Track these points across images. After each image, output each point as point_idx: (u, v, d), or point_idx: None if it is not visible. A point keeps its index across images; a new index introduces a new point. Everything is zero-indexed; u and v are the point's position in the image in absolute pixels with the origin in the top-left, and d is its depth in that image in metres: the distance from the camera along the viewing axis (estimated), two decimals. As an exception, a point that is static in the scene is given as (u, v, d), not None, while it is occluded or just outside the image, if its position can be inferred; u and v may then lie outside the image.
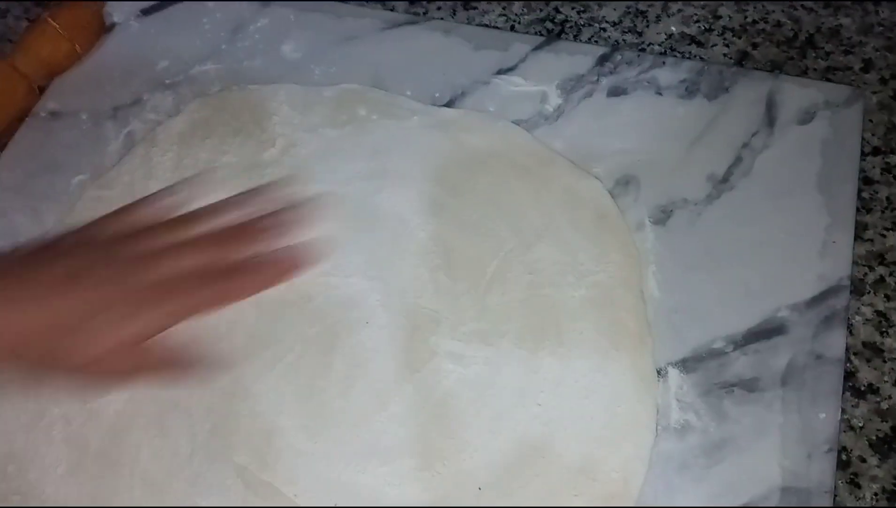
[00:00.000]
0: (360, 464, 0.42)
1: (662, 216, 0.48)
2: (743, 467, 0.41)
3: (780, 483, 0.40)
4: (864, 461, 0.41)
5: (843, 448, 0.41)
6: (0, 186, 0.52)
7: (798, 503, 0.40)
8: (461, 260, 0.47)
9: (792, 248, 0.46)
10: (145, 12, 0.59)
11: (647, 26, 0.57)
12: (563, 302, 0.45)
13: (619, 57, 0.54)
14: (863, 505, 0.40)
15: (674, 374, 0.43)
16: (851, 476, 0.41)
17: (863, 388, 0.43)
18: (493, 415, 0.43)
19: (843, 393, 0.42)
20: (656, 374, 0.43)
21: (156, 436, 0.43)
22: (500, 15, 0.58)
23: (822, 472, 0.40)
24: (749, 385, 0.42)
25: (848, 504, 0.40)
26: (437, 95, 0.53)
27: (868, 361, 0.44)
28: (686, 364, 0.43)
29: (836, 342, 0.43)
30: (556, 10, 0.58)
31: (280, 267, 0.36)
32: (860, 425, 0.42)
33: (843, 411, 0.42)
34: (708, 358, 0.43)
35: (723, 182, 0.48)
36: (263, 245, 0.37)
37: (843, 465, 0.41)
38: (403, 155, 0.51)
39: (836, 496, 0.40)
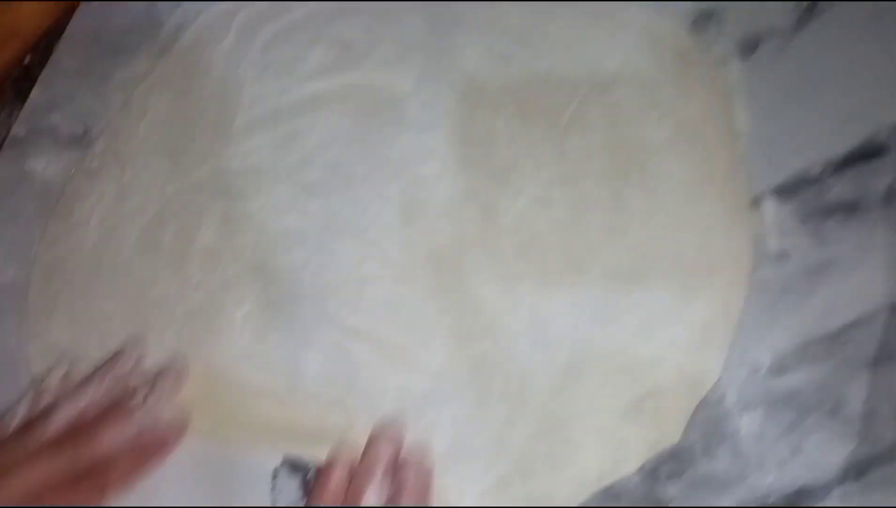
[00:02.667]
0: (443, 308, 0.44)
1: (748, 49, 0.48)
2: (846, 288, 0.42)
3: (888, 301, 0.42)
4: (972, 274, 0.43)
5: (951, 264, 0.43)
6: (64, 71, 0.55)
7: (907, 318, 0.41)
8: (534, 108, 0.49)
9: (890, 69, 0.46)
10: None
11: None
12: (648, 142, 0.47)
13: None
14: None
15: (770, 203, 0.44)
16: (961, 292, 0.42)
17: (969, 206, 0.44)
18: (580, 253, 0.45)
19: (948, 211, 0.43)
20: (751, 204, 0.44)
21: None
22: None
23: (931, 286, 0.42)
24: (849, 208, 0.44)
25: (959, 318, 0.42)
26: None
27: (974, 179, 0.45)
28: (782, 192, 0.45)
29: (940, 158, 0.44)
30: None
31: (150, 451, 0.39)
32: (967, 240, 0.43)
33: (949, 228, 0.43)
34: (805, 184, 0.44)
35: (810, 9, 0.49)
36: (122, 432, 0.38)
37: (951, 281, 0.42)
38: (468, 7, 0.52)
39: (945, 309, 0.42)
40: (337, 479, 0.39)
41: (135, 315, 0.46)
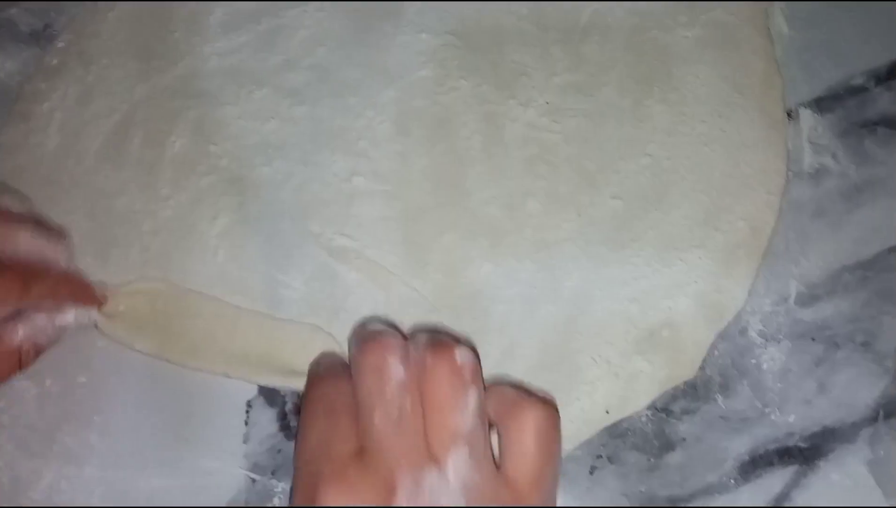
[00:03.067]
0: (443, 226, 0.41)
1: (789, -56, 0.44)
2: (887, 210, 0.39)
3: (931, 225, 0.38)
4: None
5: None
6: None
7: (952, 244, 0.38)
8: (549, 7, 0.44)
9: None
10: None
11: None
12: (675, 45, 0.43)
13: None
14: None
15: (807, 115, 0.41)
16: None
17: None
18: (595, 169, 0.41)
19: None
20: (787, 116, 0.41)
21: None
22: None
23: (980, 211, 0.38)
24: (894, 123, 0.40)
25: None
26: None
27: None
28: (821, 104, 0.41)
29: None
30: None
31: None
32: None
33: None
34: (846, 96, 0.41)
35: None
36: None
37: None
38: None
39: None
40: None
41: (97, 230, 0.42)
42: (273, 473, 0.38)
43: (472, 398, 0.29)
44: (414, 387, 0.30)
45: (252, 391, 0.40)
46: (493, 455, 0.30)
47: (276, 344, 0.40)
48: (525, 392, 0.31)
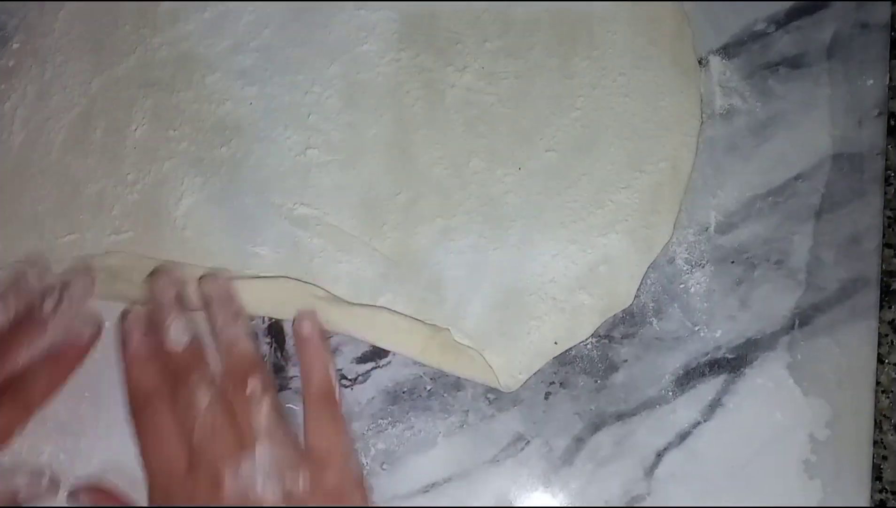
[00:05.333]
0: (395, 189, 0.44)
1: None
2: (792, 141, 0.43)
3: (831, 151, 0.43)
4: (913, 124, 0.44)
5: (892, 114, 0.44)
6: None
7: (850, 169, 0.42)
8: (477, -22, 0.47)
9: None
10: None
11: None
12: (593, 7, 0.46)
13: None
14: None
15: (715, 61, 0.45)
16: (901, 139, 0.43)
17: (909, 52, 0.45)
18: (530, 125, 0.45)
19: (891, 60, 0.44)
20: (698, 64, 0.44)
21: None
22: None
23: (873, 135, 0.43)
24: (794, 62, 0.44)
25: (899, 166, 0.43)
26: None
27: (915, 27, 0.45)
28: (728, 50, 0.45)
29: (880, 9, 0.45)
30: None
31: (67, 357, 0.40)
32: (908, 89, 0.44)
33: (890, 77, 0.44)
34: (750, 41, 0.45)
35: None
36: (36, 344, 0.39)
37: (891, 130, 0.43)
38: None
39: (886, 159, 0.43)
40: (136, 330, 0.40)
41: (69, 217, 0.44)
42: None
43: (265, 403, 0.37)
44: (221, 402, 0.38)
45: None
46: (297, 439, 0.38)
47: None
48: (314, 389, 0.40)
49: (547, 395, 0.42)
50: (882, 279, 0.42)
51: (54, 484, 0.41)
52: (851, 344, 0.41)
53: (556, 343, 0.42)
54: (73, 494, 0.40)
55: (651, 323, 0.42)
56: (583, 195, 0.43)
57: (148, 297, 0.41)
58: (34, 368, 0.39)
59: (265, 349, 0.43)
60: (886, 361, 0.43)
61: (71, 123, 0.46)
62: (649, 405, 0.41)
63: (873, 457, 0.41)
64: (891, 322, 0.43)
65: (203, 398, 0.37)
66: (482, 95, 0.45)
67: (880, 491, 0.42)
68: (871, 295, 0.42)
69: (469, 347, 0.42)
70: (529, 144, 0.44)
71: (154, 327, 0.40)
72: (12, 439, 0.38)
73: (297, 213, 0.44)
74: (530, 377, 0.42)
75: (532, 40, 0.46)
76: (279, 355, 0.42)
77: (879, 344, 0.42)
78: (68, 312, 0.40)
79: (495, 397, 0.42)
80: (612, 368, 0.42)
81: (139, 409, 0.38)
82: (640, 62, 0.45)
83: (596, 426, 0.41)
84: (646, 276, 0.42)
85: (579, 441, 0.41)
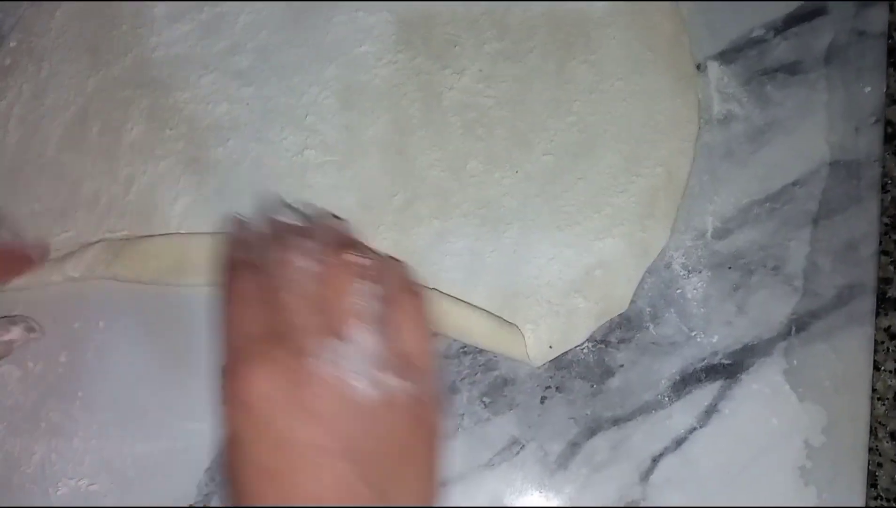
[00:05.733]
0: (392, 190, 0.44)
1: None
2: (789, 147, 0.43)
3: (829, 158, 0.43)
4: (910, 131, 0.44)
5: (889, 122, 0.44)
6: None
7: (847, 175, 0.42)
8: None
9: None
10: None
11: None
12: (591, 10, 0.46)
13: None
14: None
15: (713, 67, 0.45)
16: (898, 147, 0.43)
17: (907, 60, 0.45)
18: (527, 129, 0.44)
19: (888, 68, 0.44)
20: (695, 69, 0.44)
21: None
22: None
23: (870, 143, 0.43)
24: (791, 68, 0.44)
25: (895, 173, 0.43)
26: None
27: (911, 33, 0.45)
28: (725, 56, 0.45)
29: (878, 17, 0.45)
30: None
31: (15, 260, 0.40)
32: (905, 97, 0.44)
33: (887, 85, 0.44)
34: (747, 47, 0.45)
35: None
36: None
37: (888, 137, 0.43)
38: None
39: (883, 166, 0.43)
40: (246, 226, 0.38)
41: (64, 215, 0.44)
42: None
43: (365, 285, 0.33)
44: (316, 277, 0.34)
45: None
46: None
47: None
48: (403, 284, 0.35)
49: (543, 399, 0.42)
50: (878, 286, 0.42)
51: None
52: (848, 351, 0.41)
53: (550, 347, 0.42)
54: None
55: (647, 328, 0.42)
56: (579, 199, 0.43)
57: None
58: None
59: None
60: (882, 368, 0.43)
61: (67, 122, 0.46)
62: (645, 410, 0.41)
63: (868, 464, 0.40)
64: (887, 329, 0.43)
65: (298, 270, 0.34)
66: (480, 97, 0.45)
67: (875, 498, 0.42)
68: (868, 302, 0.42)
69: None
70: (527, 147, 0.44)
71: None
72: None
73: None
74: (527, 380, 0.42)
75: (530, 44, 0.46)
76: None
77: (875, 351, 0.42)
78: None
79: (491, 400, 0.42)
80: (609, 372, 0.42)
81: (230, 277, 0.35)
82: (637, 67, 0.45)
83: (591, 431, 0.41)
84: (642, 281, 0.42)
85: (574, 446, 0.41)
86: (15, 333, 0.42)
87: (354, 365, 0.31)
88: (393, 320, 0.33)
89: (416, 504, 0.31)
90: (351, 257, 0.34)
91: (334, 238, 0.35)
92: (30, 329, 0.42)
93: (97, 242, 0.44)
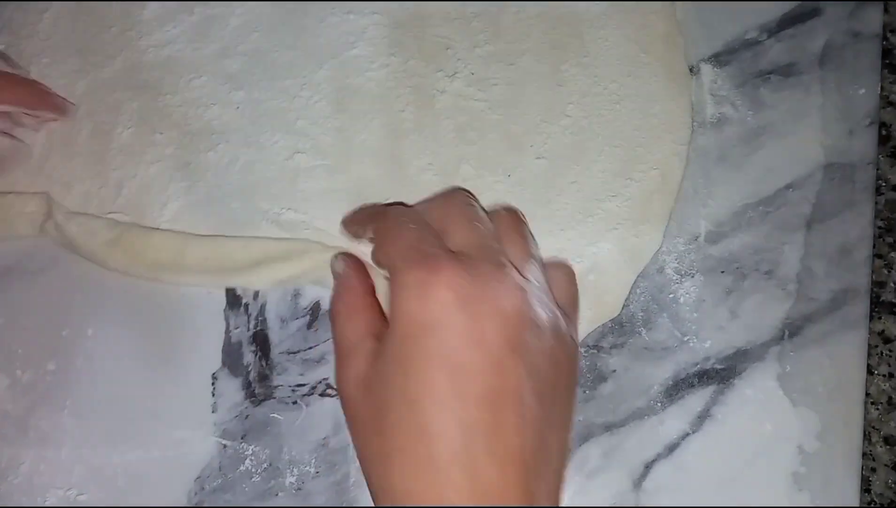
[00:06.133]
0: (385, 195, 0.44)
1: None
2: (783, 150, 0.43)
3: (823, 161, 0.42)
4: (905, 134, 0.43)
5: (883, 124, 0.43)
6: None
7: (841, 179, 0.42)
8: (468, -17, 0.47)
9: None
10: None
11: None
12: (584, 11, 0.46)
13: None
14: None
15: (707, 69, 0.44)
16: (892, 150, 0.43)
17: (902, 64, 0.45)
18: (520, 132, 0.44)
19: (882, 70, 0.44)
20: (689, 72, 0.44)
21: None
22: None
23: (864, 146, 0.42)
24: (785, 71, 0.44)
25: (889, 176, 0.43)
26: None
27: (906, 35, 0.45)
28: (719, 58, 0.44)
29: (872, 17, 0.44)
30: None
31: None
32: (900, 100, 0.44)
33: (882, 87, 0.44)
34: (742, 49, 0.44)
35: None
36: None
37: (883, 140, 0.43)
38: None
39: (878, 168, 0.42)
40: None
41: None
42: (243, 437, 0.41)
43: (534, 241, 0.35)
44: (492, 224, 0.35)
45: (216, 364, 0.42)
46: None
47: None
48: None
49: (535, 405, 0.41)
50: (872, 290, 0.42)
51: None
52: (841, 355, 0.41)
53: (544, 353, 0.41)
54: None
55: (640, 333, 0.42)
56: (572, 204, 0.43)
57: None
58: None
59: (250, 357, 0.42)
60: (876, 372, 0.42)
61: (56, 125, 0.46)
62: (638, 416, 0.41)
63: (862, 469, 0.40)
64: (880, 333, 0.43)
65: (480, 211, 0.35)
66: (472, 101, 0.45)
67: (869, 504, 0.42)
68: (862, 306, 0.41)
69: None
70: (520, 151, 0.44)
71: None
72: None
73: (285, 218, 0.44)
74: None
75: (523, 47, 0.45)
76: (264, 363, 0.42)
77: (869, 355, 0.41)
78: None
79: (483, 407, 0.41)
80: (601, 378, 0.41)
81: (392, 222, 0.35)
82: (631, 69, 0.44)
83: (584, 438, 0.41)
84: (635, 285, 0.42)
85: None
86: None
87: (539, 293, 0.32)
88: (550, 276, 0.35)
89: (566, 425, 0.32)
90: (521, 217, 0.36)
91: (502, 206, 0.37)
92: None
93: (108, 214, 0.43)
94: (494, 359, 0.29)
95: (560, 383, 0.32)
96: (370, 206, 0.41)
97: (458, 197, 0.36)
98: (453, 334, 0.29)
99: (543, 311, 0.31)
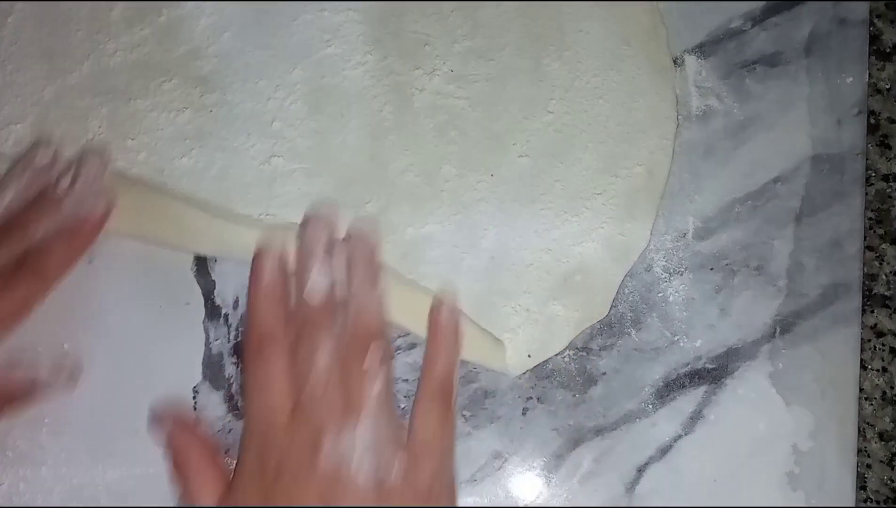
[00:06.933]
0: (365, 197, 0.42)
1: None
2: (770, 143, 0.42)
3: (811, 153, 0.41)
4: (893, 122, 0.42)
5: (872, 112, 0.42)
6: None
7: (830, 170, 0.41)
8: (445, -23, 0.45)
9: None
10: None
11: None
12: (565, 4, 0.44)
13: None
14: (894, 170, 0.41)
15: (691, 61, 0.43)
16: (881, 139, 0.42)
17: (888, 50, 0.43)
18: (502, 130, 0.43)
19: (869, 57, 0.42)
20: (673, 64, 0.43)
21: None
22: None
23: (853, 135, 0.41)
24: (771, 60, 0.42)
25: (879, 166, 0.42)
26: None
27: (892, 22, 0.44)
28: (703, 49, 0.43)
29: (859, 4, 0.43)
30: None
31: (82, 232, 0.40)
32: (887, 87, 0.43)
33: (870, 75, 0.42)
34: (726, 39, 0.43)
35: None
36: (51, 218, 0.39)
37: (871, 129, 0.42)
38: None
39: (867, 158, 0.41)
40: (270, 269, 0.38)
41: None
42: (226, 452, 0.40)
43: (380, 378, 0.35)
44: (338, 365, 0.35)
45: (197, 378, 0.41)
46: (402, 426, 0.36)
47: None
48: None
49: (524, 410, 0.40)
50: (864, 283, 0.41)
51: (75, 374, 0.40)
52: (834, 351, 0.40)
53: (529, 356, 0.40)
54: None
55: (629, 334, 0.40)
56: (557, 203, 0.41)
57: (298, 236, 0.39)
58: (50, 242, 0.39)
59: (231, 369, 0.41)
60: (869, 367, 0.42)
61: (25, 133, 0.44)
62: (629, 418, 0.40)
63: (857, 466, 0.39)
64: (873, 327, 0.42)
65: (322, 356, 0.35)
66: (452, 99, 0.43)
67: (865, 501, 0.41)
68: (854, 300, 0.40)
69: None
70: (502, 149, 0.42)
71: (289, 270, 0.38)
72: (29, 313, 0.38)
73: (264, 222, 0.42)
74: (507, 392, 0.40)
75: (502, 41, 0.44)
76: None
77: (862, 350, 0.40)
78: (82, 189, 0.40)
79: (471, 414, 0.40)
80: (591, 381, 0.40)
81: (255, 350, 0.36)
82: (613, 63, 0.43)
83: (575, 442, 0.40)
84: (623, 285, 0.41)
85: (558, 458, 0.40)
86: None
87: (364, 452, 0.33)
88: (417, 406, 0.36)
89: None
90: (374, 356, 0.36)
91: (362, 328, 0.36)
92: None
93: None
94: None
95: None
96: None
97: (306, 335, 0.36)
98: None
99: (366, 470, 0.33)
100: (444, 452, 0.35)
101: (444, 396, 0.36)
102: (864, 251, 0.41)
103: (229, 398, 0.40)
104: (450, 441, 0.36)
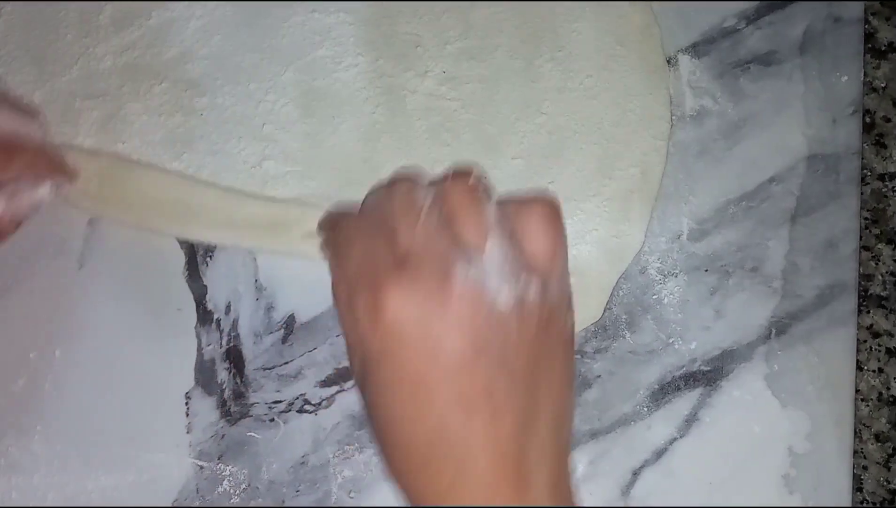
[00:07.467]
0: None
1: None
2: (765, 142, 0.41)
3: (806, 152, 0.41)
4: (888, 120, 0.42)
5: (867, 111, 0.42)
6: None
7: (825, 170, 0.40)
8: (437, -22, 0.45)
9: None
10: None
11: None
12: (558, 4, 0.44)
13: None
14: (889, 169, 0.41)
15: (685, 60, 0.42)
16: (877, 138, 0.41)
17: (883, 48, 0.43)
18: (495, 132, 0.42)
19: (864, 55, 0.42)
20: (666, 64, 0.42)
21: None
22: None
23: (848, 135, 0.41)
24: (765, 59, 0.42)
25: (875, 165, 0.41)
26: None
27: (887, 20, 0.43)
28: (697, 49, 0.43)
29: (853, 2, 0.42)
30: None
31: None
32: (882, 86, 0.42)
33: (865, 73, 0.42)
34: (720, 38, 0.43)
35: None
36: None
37: (867, 127, 0.41)
38: None
39: (862, 158, 0.41)
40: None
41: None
42: (219, 458, 0.39)
43: (489, 203, 0.32)
44: (439, 207, 0.32)
45: (189, 384, 0.40)
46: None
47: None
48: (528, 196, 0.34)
49: (518, 414, 0.40)
50: (860, 284, 0.40)
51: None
52: (830, 352, 0.40)
53: (526, 360, 0.40)
54: None
55: (624, 336, 0.40)
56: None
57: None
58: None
59: (223, 374, 0.40)
60: (865, 367, 0.41)
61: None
62: (624, 421, 0.39)
63: (854, 468, 0.39)
64: (869, 327, 0.42)
65: (424, 196, 0.32)
66: (445, 100, 0.43)
67: (861, 503, 0.40)
68: (849, 301, 0.40)
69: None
70: (495, 151, 0.42)
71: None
72: None
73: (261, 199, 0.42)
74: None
75: (495, 42, 0.43)
76: (238, 380, 0.40)
77: (858, 350, 0.40)
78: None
79: (465, 418, 0.40)
80: (585, 384, 0.40)
81: (334, 231, 0.34)
82: (607, 63, 0.42)
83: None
84: (617, 287, 0.40)
85: (553, 462, 0.39)
86: (43, 193, 0.39)
87: (493, 277, 0.30)
88: (520, 227, 0.32)
89: (557, 400, 0.31)
90: (477, 177, 0.32)
91: (449, 172, 0.33)
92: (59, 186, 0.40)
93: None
94: (456, 367, 0.29)
95: (542, 360, 0.30)
96: (330, 214, 0.38)
97: (399, 188, 0.33)
98: (409, 355, 0.29)
99: (505, 293, 0.30)
100: (565, 265, 0.33)
101: (543, 206, 0.33)
102: (860, 251, 0.41)
103: (222, 404, 0.40)
104: (566, 253, 0.33)
